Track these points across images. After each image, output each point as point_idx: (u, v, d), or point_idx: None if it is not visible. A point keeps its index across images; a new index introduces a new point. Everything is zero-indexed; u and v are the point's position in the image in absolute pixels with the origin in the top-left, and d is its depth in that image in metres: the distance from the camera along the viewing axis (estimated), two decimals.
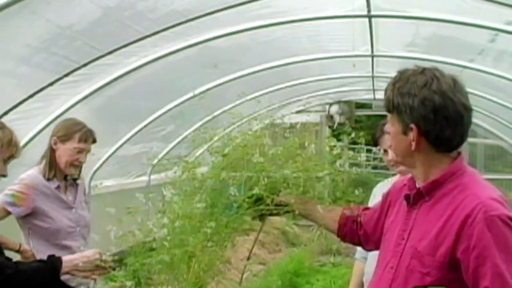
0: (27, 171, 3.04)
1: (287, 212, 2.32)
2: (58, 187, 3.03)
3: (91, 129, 3.06)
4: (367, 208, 2.22)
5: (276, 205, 2.28)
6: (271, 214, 2.33)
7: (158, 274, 2.16)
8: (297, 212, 2.27)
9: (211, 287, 2.47)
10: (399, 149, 1.83)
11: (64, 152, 2.98)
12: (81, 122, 3.07)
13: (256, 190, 2.14)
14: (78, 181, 3.17)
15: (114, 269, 2.45)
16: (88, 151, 3.05)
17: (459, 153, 1.80)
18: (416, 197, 1.82)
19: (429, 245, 1.70)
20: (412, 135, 1.75)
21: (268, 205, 2.24)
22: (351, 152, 3.06)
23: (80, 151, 2.99)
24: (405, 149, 1.79)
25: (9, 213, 2.92)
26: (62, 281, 2.48)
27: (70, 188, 3.12)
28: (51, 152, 3.00)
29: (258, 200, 2.23)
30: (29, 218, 2.95)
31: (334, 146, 2.52)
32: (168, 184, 2.29)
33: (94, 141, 3.06)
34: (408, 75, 1.76)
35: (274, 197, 2.25)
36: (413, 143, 1.75)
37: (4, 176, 2.38)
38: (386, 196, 2.06)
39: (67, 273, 2.42)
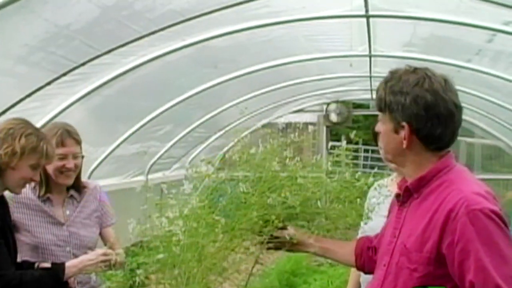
0: None
1: (294, 244, 2.26)
2: (48, 200, 2.73)
3: (69, 129, 2.73)
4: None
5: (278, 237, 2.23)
6: (277, 248, 2.29)
7: (162, 273, 2.15)
8: (313, 251, 2.26)
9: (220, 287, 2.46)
10: (389, 148, 1.85)
11: None
12: (56, 126, 2.74)
13: (270, 200, 2.13)
14: (83, 193, 2.84)
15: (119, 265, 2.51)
16: (75, 154, 2.72)
17: (448, 151, 1.81)
18: (405, 195, 1.85)
19: (416, 241, 1.72)
20: (403, 133, 1.77)
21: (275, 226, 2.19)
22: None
23: (63, 157, 2.66)
24: (396, 148, 1.81)
25: None
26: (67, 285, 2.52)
27: (70, 201, 2.81)
28: None
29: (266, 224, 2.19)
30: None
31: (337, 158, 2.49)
32: (189, 180, 2.28)
33: (77, 142, 2.74)
34: (400, 74, 1.79)
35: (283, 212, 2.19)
36: (405, 141, 1.78)
37: (33, 180, 2.46)
38: (390, 209, 2.07)
39: (71, 277, 2.49)
